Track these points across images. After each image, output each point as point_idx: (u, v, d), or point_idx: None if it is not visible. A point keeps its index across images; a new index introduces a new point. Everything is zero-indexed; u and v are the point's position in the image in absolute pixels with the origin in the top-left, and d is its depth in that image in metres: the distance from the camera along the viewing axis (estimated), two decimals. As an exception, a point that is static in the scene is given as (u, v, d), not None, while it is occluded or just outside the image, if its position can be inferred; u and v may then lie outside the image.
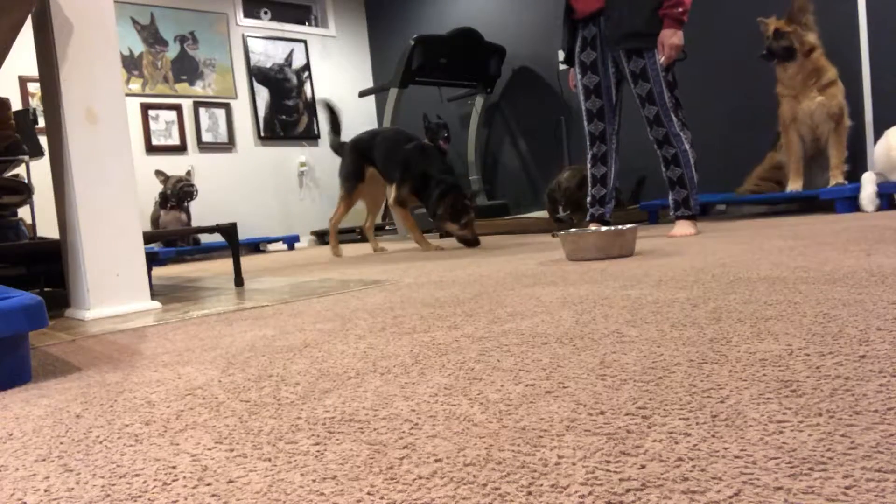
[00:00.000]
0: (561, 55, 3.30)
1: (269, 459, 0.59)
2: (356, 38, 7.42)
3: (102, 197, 1.86)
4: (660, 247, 2.37)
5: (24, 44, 2.27)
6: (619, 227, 2.22)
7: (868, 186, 3.17)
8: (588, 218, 3.14)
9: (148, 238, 2.41)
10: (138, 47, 5.98)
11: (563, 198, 3.91)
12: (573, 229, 2.33)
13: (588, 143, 3.05)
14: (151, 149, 5.99)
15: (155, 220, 5.51)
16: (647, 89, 2.81)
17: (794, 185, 3.54)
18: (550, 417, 0.62)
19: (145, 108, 5.98)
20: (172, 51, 6.16)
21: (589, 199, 3.13)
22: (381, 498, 0.49)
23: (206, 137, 6.30)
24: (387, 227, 6.09)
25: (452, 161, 6.44)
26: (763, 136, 3.99)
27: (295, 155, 6.87)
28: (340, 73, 7.26)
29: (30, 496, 0.56)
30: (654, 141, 2.88)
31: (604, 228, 2.28)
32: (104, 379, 1.02)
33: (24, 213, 3.35)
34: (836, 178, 3.43)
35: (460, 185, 3.40)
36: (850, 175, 3.60)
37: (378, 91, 5.96)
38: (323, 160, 7.08)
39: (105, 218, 1.86)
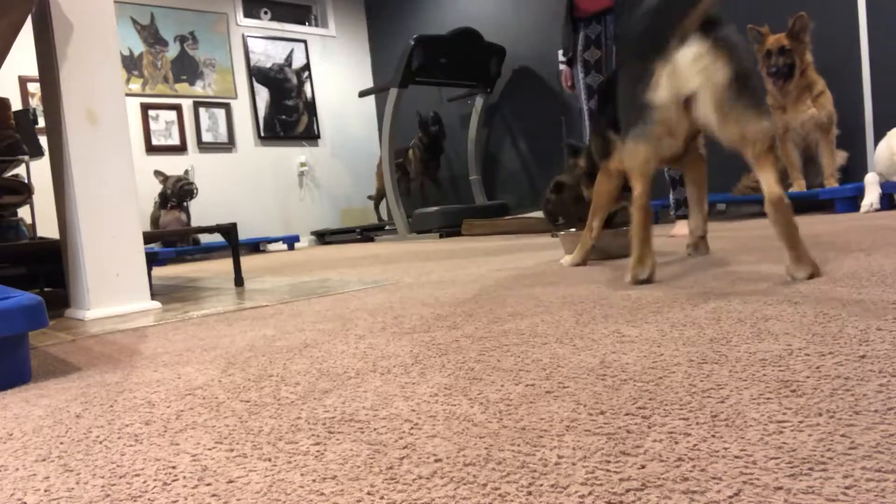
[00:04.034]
0: (561, 55, 3.29)
1: (269, 459, 0.59)
2: (356, 38, 7.42)
3: (102, 197, 1.86)
4: (660, 247, 2.37)
5: (24, 44, 2.28)
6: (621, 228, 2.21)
7: (872, 191, 3.15)
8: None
9: (148, 238, 2.41)
10: (138, 47, 5.98)
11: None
12: (573, 229, 2.32)
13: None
14: (151, 149, 5.99)
15: (155, 220, 5.51)
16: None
17: (797, 187, 3.55)
18: (550, 417, 0.62)
19: (145, 108, 5.98)
20: (172, 51, 6.16)
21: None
22: (381, 498, 0.49)
23: (206, 137, 6.30)
24: (386, 228, 6.10)
25: (452, 161, 6.46)
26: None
27: (295, 155, 6.87)
28: (340, 73, 7.26)
29: (30, 496, 0.56)
30: None
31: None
32: (104, 379, 1.02)
33: (24, 213, 3.35)
34: (832, 185, 3.46)
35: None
36: (850, 175, 3.60)
37: (378, 91, 5.96)
38: (323, 160, 7.08)
39: (105, 218, 1.86)
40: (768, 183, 1.25)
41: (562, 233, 2.22)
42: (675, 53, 1.28)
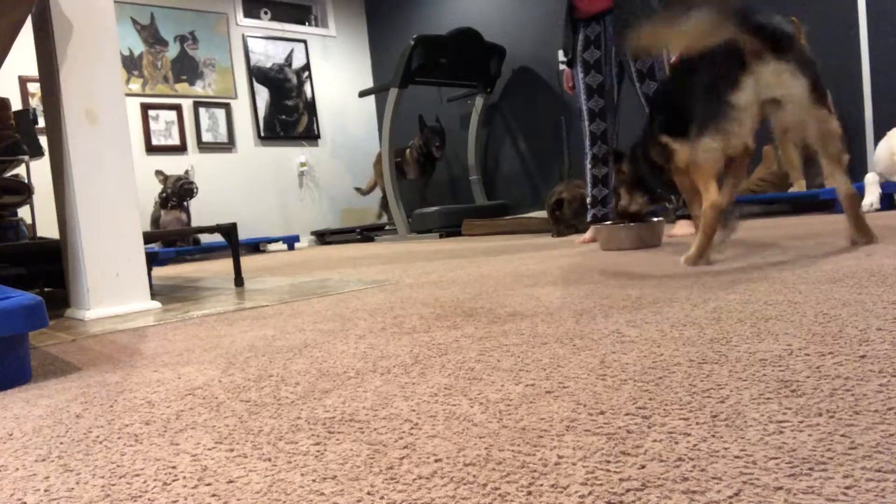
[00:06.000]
0: (561, 55, 3.29)
1: (269, 459, 0.59)
2: (356, 38, 7.42)
3: (102, 197, 1.86)
4: (660, 246, 2.37)
5: (24, 44, 2.28)
6: (650, 220, 2.42)
7: (872, 191, 3.15)
8: (589, 219, 3.14)
9: (148, 238, 2.41)
10: (138, 47, 5.98)
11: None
12: (607, 223, 2.56)
13: (589, 143, 3.05)
14: (151, 149, 5.99)
15: (155, 220, 5.51)
16: (654, 88, 2.82)
17: (798, 187, 3.56)
18: (550, 417, 0.62)
19: (145, 108, 5.98)
20: (172, 51, 6.16)
21: (590, 200, 3.13)
22: (381, 498, 0.49)
23: (206, 137, 6.30)
24: (386, 228, 6.10)
25: (451, 162, 6.45)
26: (764, 136, 3.99)
27: (295, 155, 6.87)
28: (340, 73, 7.26)
29: (30, 496, 0.56)
30: None
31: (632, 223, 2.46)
32: (104, 379, 1.02)
33: (24, 213, 3.35)
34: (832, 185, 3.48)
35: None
36: (850, 175, 3.60)
37: (378, 91, 5.96)
38: (323, 160, 7.08)
39: (105, 218, 1.86)
40: (844, 182, 1.67)
41: (597, 226, 2.38)
42: (758, 67, 1.52)
